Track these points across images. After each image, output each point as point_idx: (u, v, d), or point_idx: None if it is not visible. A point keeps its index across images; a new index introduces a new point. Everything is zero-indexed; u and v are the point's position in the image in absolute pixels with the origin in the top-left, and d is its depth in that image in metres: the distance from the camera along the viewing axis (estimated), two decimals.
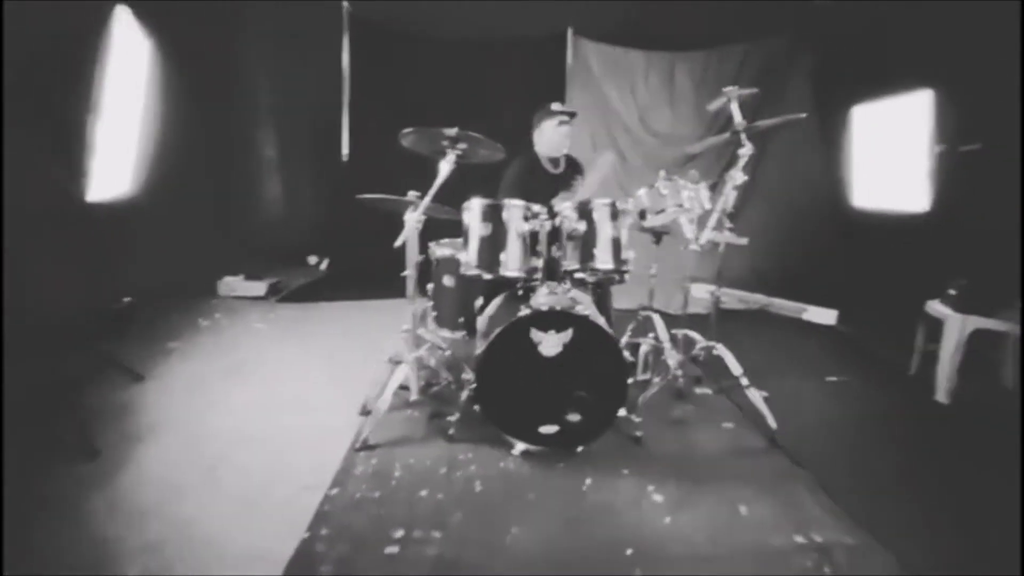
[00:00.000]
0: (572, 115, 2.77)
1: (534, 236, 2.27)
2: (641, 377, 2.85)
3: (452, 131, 2.10)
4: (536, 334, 2.08)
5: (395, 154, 2.28)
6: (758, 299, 4.40)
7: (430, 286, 2.81)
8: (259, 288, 4.20)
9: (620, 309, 3.14)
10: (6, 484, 1.76)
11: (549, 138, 2.82)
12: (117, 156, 2.64)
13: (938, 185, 3.20)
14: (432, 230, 2.74)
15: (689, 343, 2.79)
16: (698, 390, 2.69)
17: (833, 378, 3.05)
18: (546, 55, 5.17)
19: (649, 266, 2.91)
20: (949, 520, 1.86)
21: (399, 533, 1.69)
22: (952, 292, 2.76)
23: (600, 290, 2.82)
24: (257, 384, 2.75)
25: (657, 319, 2.91)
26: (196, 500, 1.84)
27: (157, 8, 2.55)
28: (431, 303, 2.83)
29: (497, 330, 2.07)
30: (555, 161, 2.91)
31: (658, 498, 1.92)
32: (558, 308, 2.09)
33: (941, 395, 2.75)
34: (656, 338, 2.88)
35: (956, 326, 2.68)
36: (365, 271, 4.28)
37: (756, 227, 5.29)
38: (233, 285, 4.20)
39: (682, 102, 5.23)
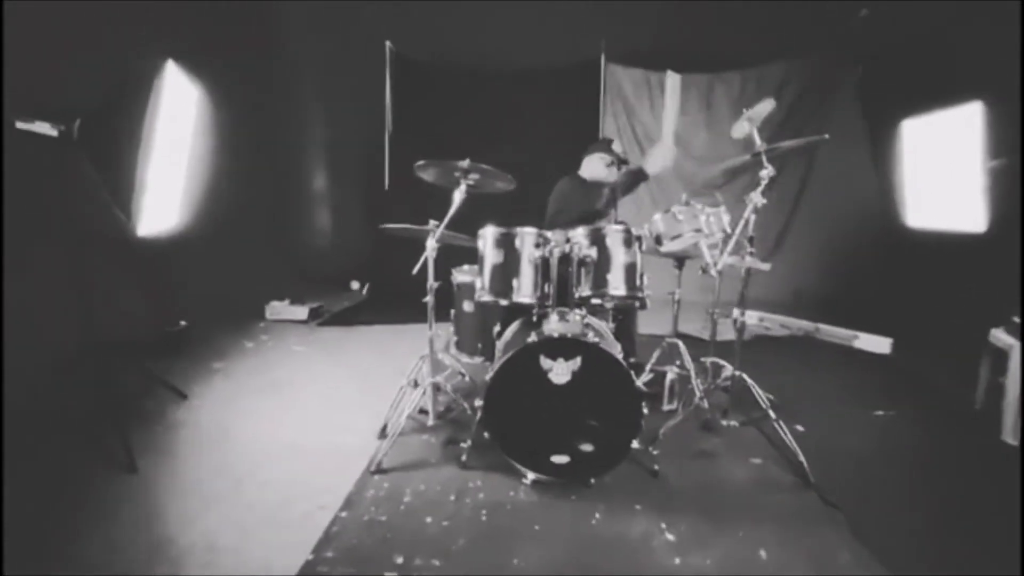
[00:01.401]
0: (624, 162, 2.93)
1: (546, 262, 2.28)
2: (667, 407, 2.76)
3: (464, 163, 2.17)
4: (545, 361, 2.07)
5: (429, 184, 2.38)
6: (804, 325, 4.15)
7: (453, 312, 2.88)
8: (302, 312, 4.42)
9: (648, 335, 3.08)
10: (52, 489, 1.93)
11: (595, 168, 2.99)
12: (165, 194, 2.90)
13: (995, 203, 2.94)
14: (456, 257, 2.82)
15: (717, 371, 2.68)
16: (724, 422, 2.56)
17: (880, 412, 2.82)
18: (580, 82, 5.25)
19: (672, 291, 2.83)
20: (989, 567, 1.66)
21: (400, 559, 1.70)
22: (1016, 320, 2.51)
23: (622, 316, 2.78)
24: (288, 403, 2.88)
25: (682, 346, 2.82)
26: (220, 512, 1.94)
27: (206, 55, 2.84)
28: (453, 328, 2.89)
29: (505, 357, 2.08)
30: (600, 186, 2.99)
31: (670, 536, 1.83)
32: (568, 335, 2.07)
33: (1008, 434, 2.47)
34: (682, 366, 2.79)
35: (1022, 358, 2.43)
36: (402, 296, 4.41)
37: (805, 249, 5.08)
38: (279, 309, 4.45)
39: (719, 123, 5.14)
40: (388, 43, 5.24)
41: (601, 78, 5.21)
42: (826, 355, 3.82)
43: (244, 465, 2.25)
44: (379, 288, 5.48)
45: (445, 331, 2.86)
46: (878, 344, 3.78)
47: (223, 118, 3.78)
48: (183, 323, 3.98)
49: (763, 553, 1.75)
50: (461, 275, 2.79)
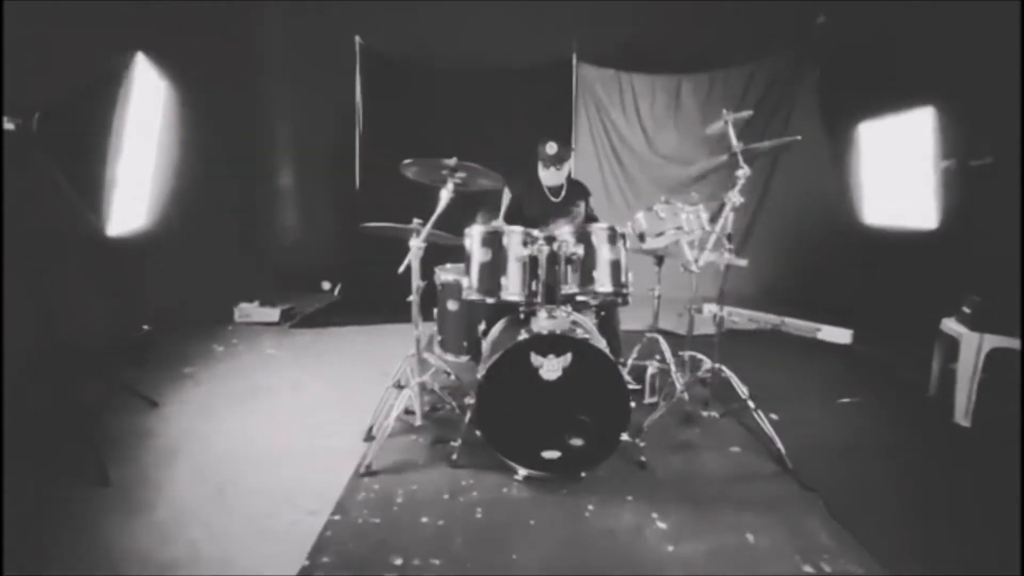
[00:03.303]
0: (557, 161, 2.80)
1: (534, 261, 2.30)
2: (648, 401, 2.83)
3: (451, 161, 2.16)
4: (536, 358, 2.09)
5: (404, 182, 2.35)
6: (770, 319, 4.34)
7: (436, 311, 2.86)
8: (273, 314, 4.29)
9: (629, 330, 3.13)
10: (22, 504, 1.82)
11: (544, 175, 2.88)
12: (135, 192, 2.76)
13: (945, 201, 3.15)
14: (438, 256, 2.81)
15: (696, 365, 2.76)
16: (704, 413, 2.65)
17: (846, 399, 2.98)
18: (552, 82, 5.29)
19: (652, 288, 2.90)
20: (965, 550, 1.79)
21: (398, 560, 1.69)
22: (966, 310, 2.70)
23: (604, 312, 2.83)
24: (267, 408, 2.80)
25: (662, 341, 2.90)
26: (202, 523, 1.87)
27: (174, 49, 2.71)
28: (436, 328, 2.88)
29: (497, 354, 2.09)
30: (555, 189, 2.95)
31: (662, 525, 1.89)
32: (557, 332, 2.10)
33: (960, 417, 2.66)
34: (662, 360, 2.86)
35: (972, 345, 2.61)
36: (375, 296, 4.34)
37: (768, 246, 5.28)
38: (248, 311, 4.31)
39: (688, 123, 5.29)
40: (357, 38, 5.14)
41: (573, 77, 5.26)
42: (792, 347, 3.99)
43: (224, 473, 2.18)
44: (351, 288, 5.38)
45: (427, 330, 2.83)
46: (839, 335, 3.98)
47: (189, 114, 3.63)
48: (146, 327, 3.81)
49: (751, 537, 1.83)
50: (445, 274, 2.78)
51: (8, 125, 1.94)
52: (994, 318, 2.56)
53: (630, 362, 2.94)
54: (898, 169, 3.70)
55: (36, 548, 1.69)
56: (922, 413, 2.85)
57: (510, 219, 2.88)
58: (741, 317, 4.55)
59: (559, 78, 5.28)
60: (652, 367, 2.86)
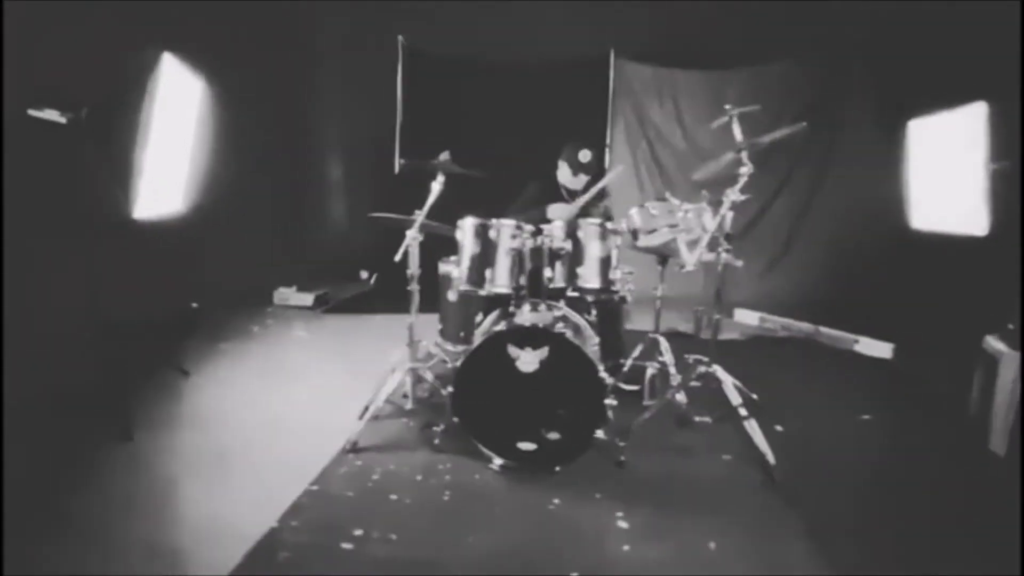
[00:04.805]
0: (587, 171, 2.81)
1: (522, 253, 2.32)
2: (647, 402, 2.77)
3: (443, 156, 2.24)
4: (513, 350, 2.12)
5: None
6: (803, 327, 4.08)
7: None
8: (307, 299, 4.57)
9: (640, 330, 3.07)
10: (48, 454, 2.10)
11: (563, 174, 2.89)
12: (167, 180, 3.06)
13: (996, 206, 2.83)
14: (448, 247, 2.89)
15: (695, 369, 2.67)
16: (698, 418, 2.57)
17: (867, 416, 2.77)
18: (590, 78, 5.24)
19: (656, 288, 2.83)
20: None
21: (359, 532, 1.79)
22: (1011, 326, 2.43)
23: (604, 310, 2.80)
24: (282, 384, 3.01)
25: (663, 342, 2.82)
26: (201, 479, 2.07)
27: (220, 47, 2.98)
28: (439, 317, 2.97)
29: (474, 345, 2.14)
30: (573, 192, 2.94)
31: (624, 524, 1.87)
32: (537, 325, 2.12)
33: (996, 444, 2.41)
34: (663, 362, 2.79)
35: (1012, 365, 2.35)
36: (406, 285, 4.51)
37: (814, 251, 4.97)
38: (286, 295, 4.62)
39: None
40: (400, 37, 5.34)
41: (610, 73, 5.18)
42: (824, 358, 3.75)
43: (230, 440, 2.38)
44: (387, 277, 5.59)
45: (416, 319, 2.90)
46: (879, 349, 3.69)
47: (240, 111, 3.97)
48: (195, 305, 4.18)
49: (712, 545, 1.77)
50: (446, 265, 2.86)
51: (61, 119, 2.22)
52: None
53: (629, 362, 2.89)
54: (948, 170, 3.36)
55: (52, 489, 1.94)
56: (954, 437, 2.60)
57: (519, 214, 2.90)
58: (774, 324, 4.32)
59: (597, 74, 5.22)
60: (652, 368, 2.80)
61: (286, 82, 5.27)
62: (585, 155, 2.77)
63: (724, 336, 4.08)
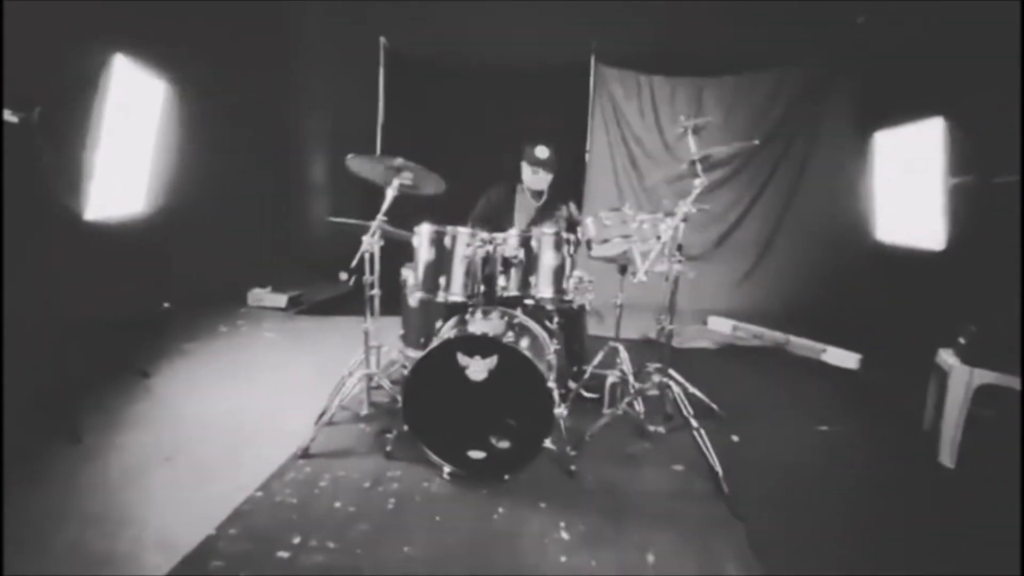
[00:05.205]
0: (546, 166, 2.79)
1: (475, 262, 2.32)
2: (607, 411, 2.77)
3: (396, 161, 2.23)
4: (463, 358, 2.12)
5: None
6: (775, 336, 4.10)
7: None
8: (281, 300, 4.55)
9: (602, 336, 3.08)
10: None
11: (527, 176, 2.88)
12: (123, 180, 3.04)
13: (954, 221, 2.86)
14: (410, 252, 2.88)
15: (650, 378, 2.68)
16: (652, 427, 2.57)
17: (825, 427, 2.79)
18: (570, 83, 5.24)
19: (616, 297, 2.84)
20: None
21: (296, 540, 1.78)
22: (961, 340, 2.46)
23: (566, 317, 2.80)
24: (243, 387, 2.99)
25: (623, 350, 2.83)
26: (142, 486, 2.05)
27: (169, 51, 2.97)
28: (401, 322, 2.96)
29: (424, 352, 2.14)
30: (537, 193, 2.95)
31: (565, 535, 1.87)
32: (487, 334, 2.12)
33: (945, 457, 2.43)
34: (622, 371, 2.80)
35: (962, 379, 2.38)
36: (385, 289, 4.50)
37: (787, 260, 5.00)
38: (260, 296, 4.60)
39: (709, 128, 5.03)
40: (383, 39, 5.33)
41: (591, 78, 5.19)
42: (792, 368, 3.77)
43: (181, 442, 2.36)
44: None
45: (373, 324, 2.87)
46: (846, 359, 3.71)
47: (217, 112, 3.96)
48: (167, 305, 4.16)
49: (651, 557, 1.77)
50: (408, 271, 2.85)
51: (12, 118, 2.20)
52: (988, 351, 2.31)
53: (590, 370, 2.89)
54: (910, 184, 3.38)
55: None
56: (907, 450, 2.62)
57: (481, 220, 2.91)
58: (746, 332, 4.34)
59: (577, 79, 5.22)
60: (613, 377, 2.80)
61: (264, 82, 5.26)
62: (542, 151, 2.77)
63: (696, 344, 4.13)
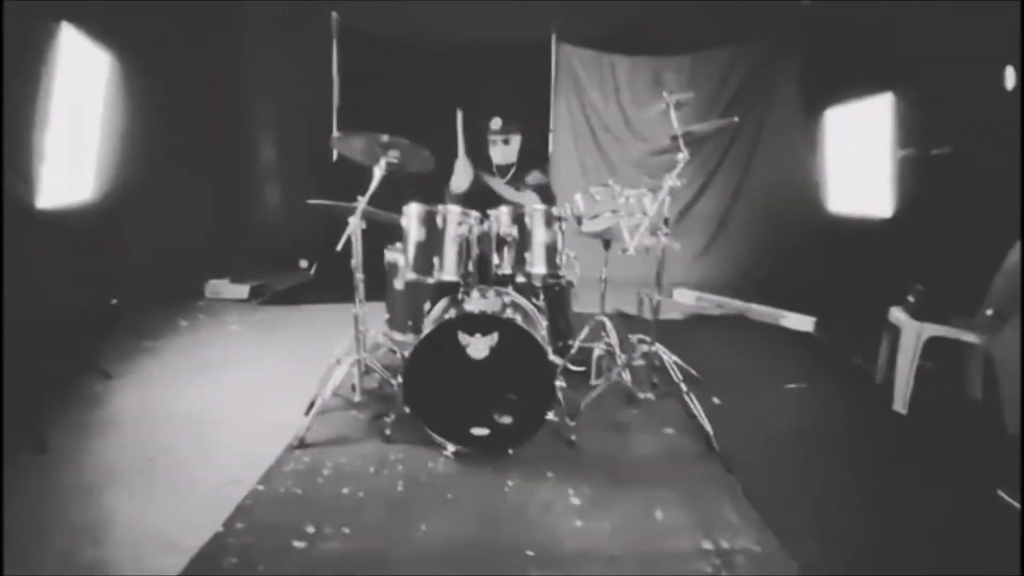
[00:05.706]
0: (503, 134, 2.79)
1: (468, 240, 2.31)
2: (595, 382, 2.86)
3: (384, 137, 2.16)
4: (464, 337, 2.12)
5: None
6: (736, 305, 4.34)
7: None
8: (242, 291, 4.33)
9: (588, 313, 3.14)
10: None
11: (496, 153, 2.88)
12: (74, 164, 2.78)
13: (902, 190, 3.13)
14: (393, 234, 2.81)
15: (638, 348, 2.78)
16: (641, 395, 2.68)
17: (792, 385, 3.01)
18: (531, 61, 5.22)
19: (601, 271, 2.90)
20: (872, 535, 1.83)
21: (311, 529, 1.75)
22: (910, 299, 2.70)
23: (552, 294, 2.84)
24: (216, 382, 2.85)
25: (608, 324, 2.92)
26: (127, 488, 1.93)
27: (116, 21, 2.70)
28: (386, 306, 2.91)
29: (424, 333, 2.12)
30: (504, 168, 2.95)
31: (575, 501, 1.94)
32: (486, 311, 2.12)
33: (898, 405, 2.68)
34: (608, 343, 2.89)
35: (912, 334, 2.62)
36: (350, 274, 4.37)
37: (745, 233, 5.28)
38: (219, 288, 4.36)
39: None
40: (334, 14, 5.08)
41: (552, 57, 5.19)
42: (754, 333, 4.01)
43: (160, 442, 2.24)
44: (328, 267, 5.40)
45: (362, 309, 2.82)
46: (802, 323, 3.99)
47: (161, 90, 3.64)
48: (114, 301, 3.86)
49: (659, 514, 1.87)
50: (392, 253, 2.79)
51: None
52: (934, 307, 2.56)
53: (577, 344, 2.96)
54: (860, 157, 3.65)
55: None
56: (866, 401, 2.87)
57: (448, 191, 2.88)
58: (709, 302, 4.57)
59: (538, 58, 5.21)
60: (598, 349, 2.89)
61: (212, 59, 4.90)
62: (496, 123, 2.82)
63: (665, 316, 4.28)
